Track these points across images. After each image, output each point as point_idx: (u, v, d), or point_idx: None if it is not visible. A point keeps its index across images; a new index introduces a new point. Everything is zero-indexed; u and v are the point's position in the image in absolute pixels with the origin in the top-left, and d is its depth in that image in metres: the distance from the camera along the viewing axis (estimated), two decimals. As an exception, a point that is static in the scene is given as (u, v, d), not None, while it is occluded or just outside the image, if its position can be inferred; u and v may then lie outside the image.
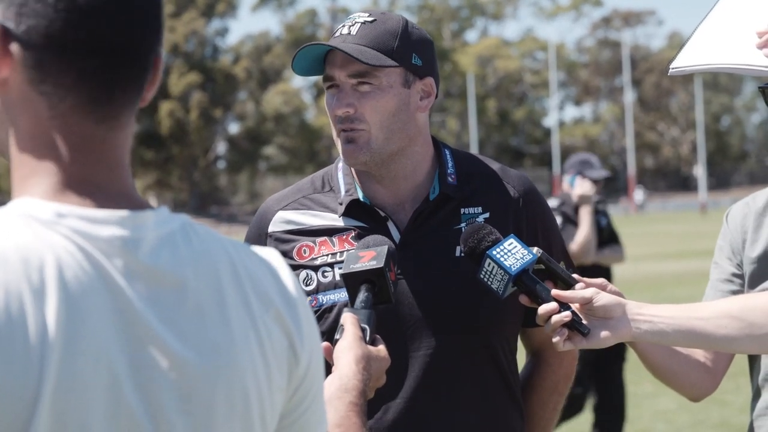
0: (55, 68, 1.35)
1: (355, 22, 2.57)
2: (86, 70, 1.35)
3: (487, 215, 2.61)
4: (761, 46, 2.46)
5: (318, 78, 2.62)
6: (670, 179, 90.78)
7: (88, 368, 1.26)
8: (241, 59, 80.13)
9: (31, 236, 1.28)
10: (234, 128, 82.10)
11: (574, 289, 2.34)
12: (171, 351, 1.32)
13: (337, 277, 2.54)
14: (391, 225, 2.60)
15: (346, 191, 2.63)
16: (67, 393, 1.25)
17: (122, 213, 1.34)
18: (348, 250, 2.52)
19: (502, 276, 2.33)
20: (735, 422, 8.60)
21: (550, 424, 2.78)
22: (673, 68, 2.61)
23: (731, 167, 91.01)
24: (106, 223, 1.32)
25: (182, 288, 1.35)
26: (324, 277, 2.58)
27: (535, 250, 2.37)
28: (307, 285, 2.58)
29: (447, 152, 2.68)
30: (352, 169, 2.65)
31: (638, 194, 66.72)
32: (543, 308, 2.32)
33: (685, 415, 8.95)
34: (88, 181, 1.35)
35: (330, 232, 2.61)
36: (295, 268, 2.59)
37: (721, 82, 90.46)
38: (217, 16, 79.98)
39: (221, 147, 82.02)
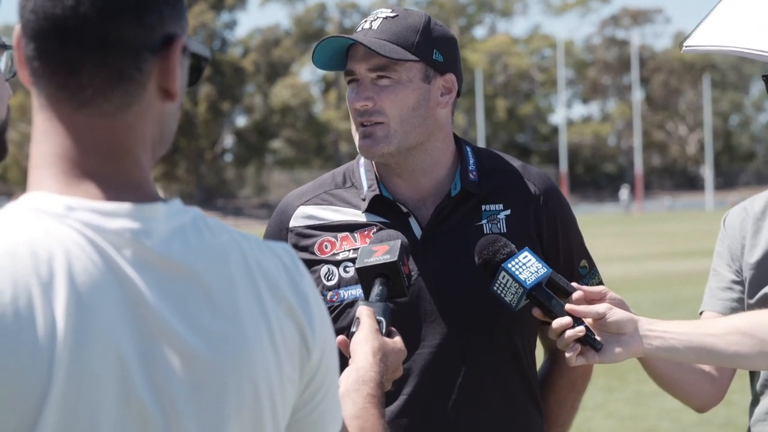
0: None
1: (378, 17, 2.59)
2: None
3: (508, 212, 2.62)
4: None
5: (326, 72, 2.64)
6: (676, 178, 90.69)
7: (98, 360, 1.26)
8: (250, 52, 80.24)
9: (40, 230, 1.28)
10: (241, 121, 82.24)
11: (571, 297, 2.35)
12: (181, 342, 1.32)
13: None
14: (412, 221, 2.60)
15: (369, 187, 2.64)
16: (78, 385, 1.25)
17: (133, 205, 1.33)
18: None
19: (517, 289, 2.34)
20: (741, 422, 8.60)
21: (568, 423, 2.78)
22: (686, 46, 2.61)
23: (738, 167, 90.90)
24: (116, 216, 1.32)
25: (193, 279, 1.34)
26: (346, 272, 2.58)
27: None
28: (328, 280, 2.59)
29: (468, 149, 2.68)
30: (374, 165, 2.66)
31: (623, 193, 65.65)
32: (557, 323, 2.32)
33: (691, 414, 8.95)
34: (92, 172, 1.34)
35: (352, 227, 2.61)
36: (317, 263, 2.60)
37: (729, 81, 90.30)
38: (226, 9, 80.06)
39: (228, 140, 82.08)
